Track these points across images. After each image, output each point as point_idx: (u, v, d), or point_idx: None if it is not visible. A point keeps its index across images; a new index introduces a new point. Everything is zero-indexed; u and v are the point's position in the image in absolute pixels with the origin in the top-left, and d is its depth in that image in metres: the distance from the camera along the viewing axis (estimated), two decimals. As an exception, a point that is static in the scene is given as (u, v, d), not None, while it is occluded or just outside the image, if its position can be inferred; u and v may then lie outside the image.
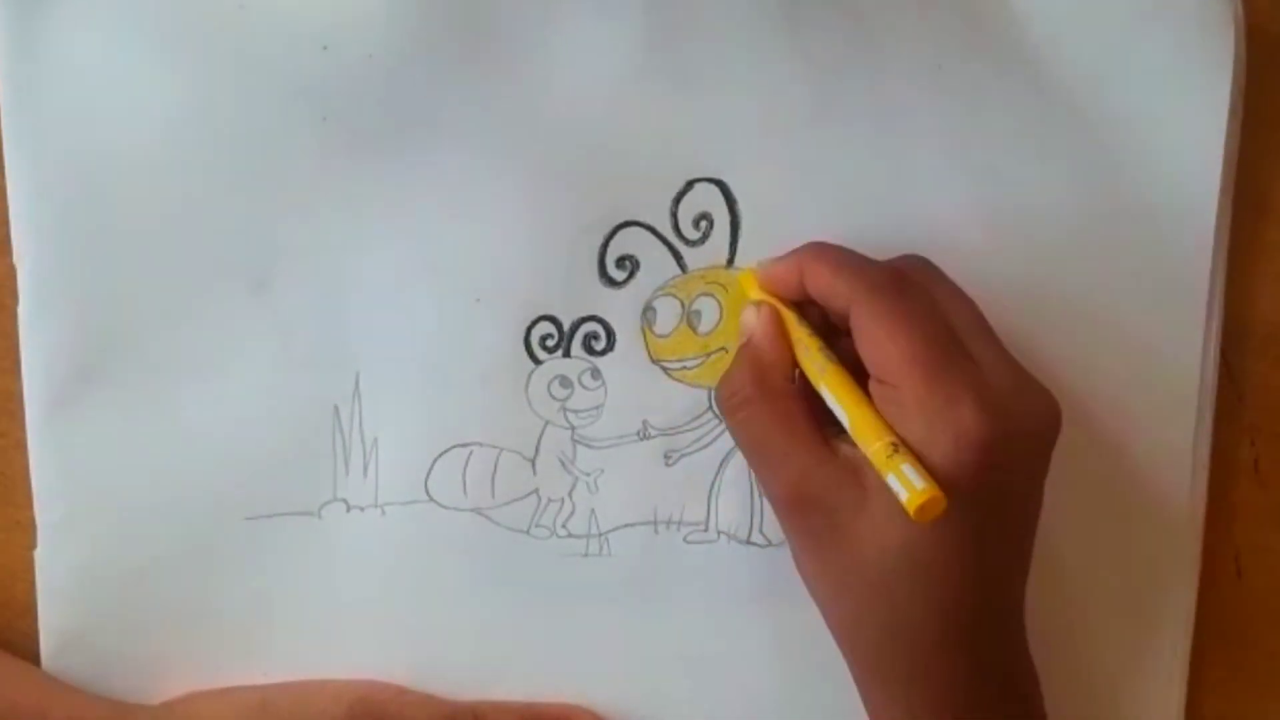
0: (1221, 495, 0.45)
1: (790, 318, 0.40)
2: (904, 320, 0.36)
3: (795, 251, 0.40)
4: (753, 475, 0.43)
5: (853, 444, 0.36)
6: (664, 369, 0.43)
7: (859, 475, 0.36)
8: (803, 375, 0.39)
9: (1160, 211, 0.43)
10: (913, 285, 0.38)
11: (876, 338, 0.36)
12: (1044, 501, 0.42)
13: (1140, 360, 0.43)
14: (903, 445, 0.35)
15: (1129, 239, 0.43)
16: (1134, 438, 0.44)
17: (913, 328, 0.36)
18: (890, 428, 0.35)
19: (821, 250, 0.39)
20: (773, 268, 0.40)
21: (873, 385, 0.37)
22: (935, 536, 0.35)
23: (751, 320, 0.40)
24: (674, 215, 0.42)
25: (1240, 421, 0.45)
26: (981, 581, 0.36)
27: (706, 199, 0.42)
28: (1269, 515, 0.46)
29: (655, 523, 0.44)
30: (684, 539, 0.44)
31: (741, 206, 0.42)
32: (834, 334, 0.39)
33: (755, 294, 0.41)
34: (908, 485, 0.33)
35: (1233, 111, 0.42)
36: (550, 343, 0.43)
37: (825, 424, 0.38)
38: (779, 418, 0.38)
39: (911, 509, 0.33)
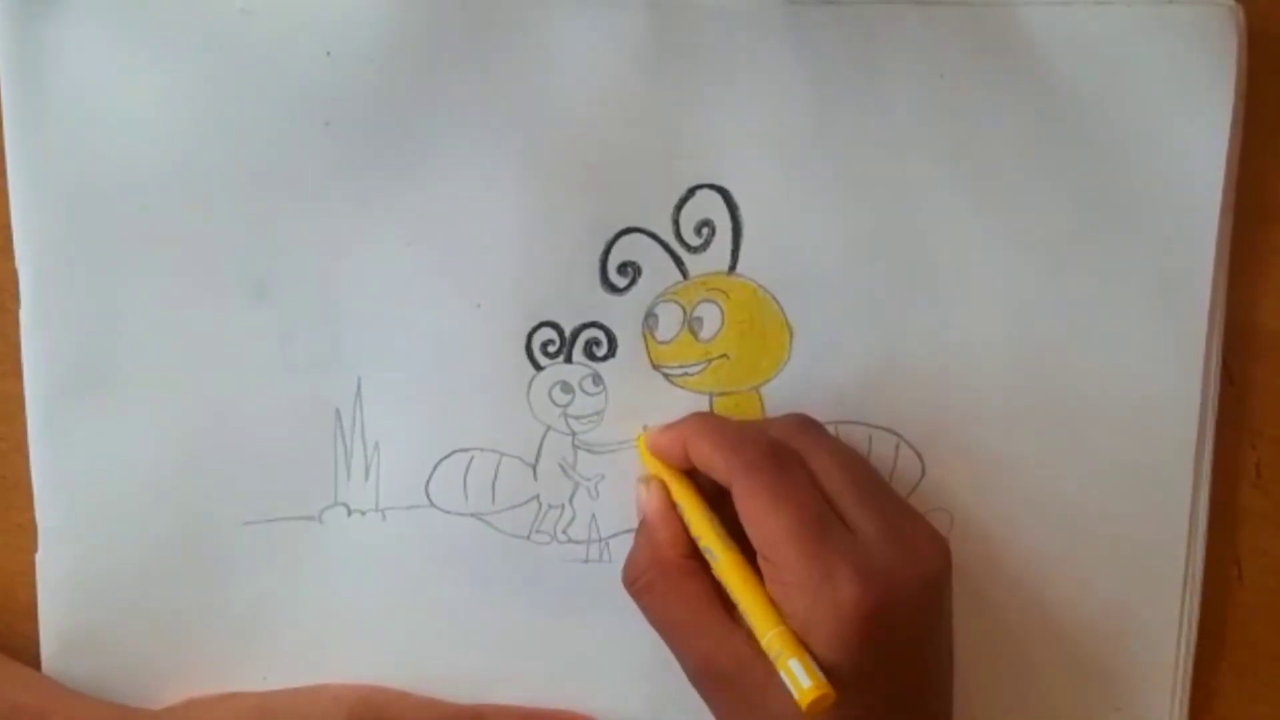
0: (1223, 499, 0.45)
1: (683, 491, 0.41)
2: (779, 498, 0.37)
3: (679, 423, 0.42)
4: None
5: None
6: (665, 375, 0.43)
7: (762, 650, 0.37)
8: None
9: (1162, 216, 0.43)
10: (787, 460, 0.39)
11: (755, 516, 0.38)
12: (1046, 503, 0.42)
13: (1142, 364, 0.43)
14: (790, 635, 0.36)
15: (1130, 244, 0.43)
16: (1136, 441, 0.44)
17: (787, 505, 0.37)
18: (779, 613, 0.37)
19: (702, 424, 0.41)
20: (658, 438, 0.42)
21: (760, 561, 0.38)
22: (838, 714, 0.35)
23: (643, 497, 0.42)
24: (676, 222, 0.42)
25: (1242, 426, 0.45)
26: None
27: (708, 205, 0.42)
28: (1271, 519, 0.45)
29: (656, 528, 0.44)
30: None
31: (743, 213, 0.42)
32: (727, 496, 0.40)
33: (647, 464, 0.43)
34: (795, 684, 0.35)
35: (1235, 117, 0.42)
36: (552, 348, 0.43)
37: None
38: (682, 598, 0.40)
39: (803, 705, 0.34)
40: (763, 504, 0.37)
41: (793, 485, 0.38)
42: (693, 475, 0.42)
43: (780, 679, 0.35)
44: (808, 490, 0.38)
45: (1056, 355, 0.43)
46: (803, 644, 0.36)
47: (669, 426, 0.42)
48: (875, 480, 0.40)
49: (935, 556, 0.38)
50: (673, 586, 0.40)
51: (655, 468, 0.42)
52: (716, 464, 0.39)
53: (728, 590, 0.38)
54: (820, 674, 0.35)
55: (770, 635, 0.36)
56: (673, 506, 0.41)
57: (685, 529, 0.41)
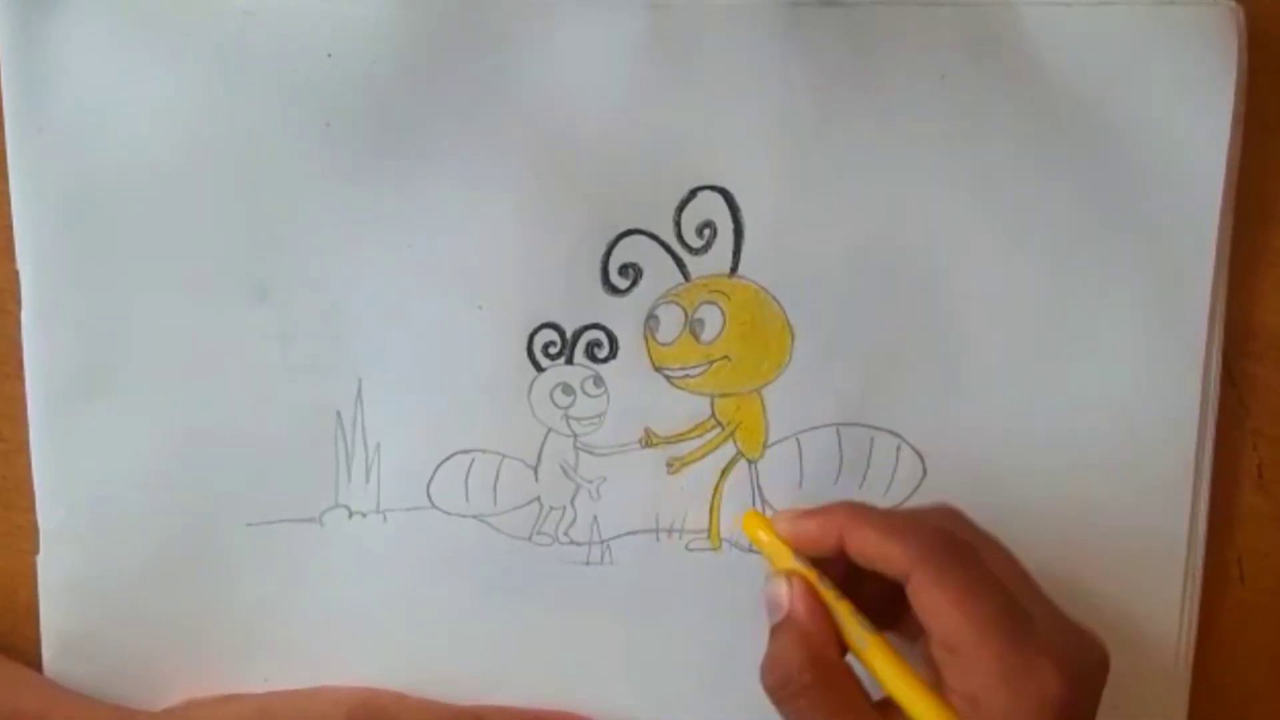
0: (1224, 500, 0.45)
1: (819, 583, 0.38)
2: (970, 588, 0.36)
3: (828, 511, 0.39)
4: (755, 482, 0.44)
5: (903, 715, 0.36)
6: (666, 377, 0.43)
7: None
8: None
9: (1163, 216, 0.43)
10: (967, 549, 0.37)
11: (944, 607, 0.36)
12: (1046, 503, 0.43)
13: (1142, 365, 0.43)
14: None
15: (1131, 244, 0.43)
16: (1136, 442, 0.44)
17: (980, 596, 0.36)
18: (954, 708, 0.35)
19: (861, 514, 0.38)
20: (802, 526, 0.39)
21: (938, 651, 0.36)
22: None
23: (784, 594, 0.39)
24: (677, 223, 0.42)
25: (1243, 426, 0.45)
26: None
27: (710, 207, 0.42)
28: (1272, 520, 0.45)
29: (657, 530, 0.44)
30: (686, 547, 0.44)
31: (745, 215, 0.42)
32: (859, 579, 0.39)
33: (770, 548, 0.40)
34: None
35: (1235, 117, 0.42)
36: (553, 350, 0.43)
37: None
38: (842, 704, 0.37)
39: None
40: (954, 593, 0.36)
41: (981, 574, 0.36)
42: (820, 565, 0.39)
43: None
44: (995, 580, 0.36)
45: (1057, 354, 0.43)
46: None
47: (810, 513, 0.39)
48: (1029, 573, 0.38)
49: (1104, 658, 0.37)
50: (831, 690, 0.37)
51: (779, 554, 0.39)
52: (889, 553, 0.37)
53: (886, 684, 0.36)
54: None
55: None
56: (821, 601, 0.38)
57: (834, 627, 0.38)
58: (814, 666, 0.37)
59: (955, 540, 0.37)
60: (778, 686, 0.38)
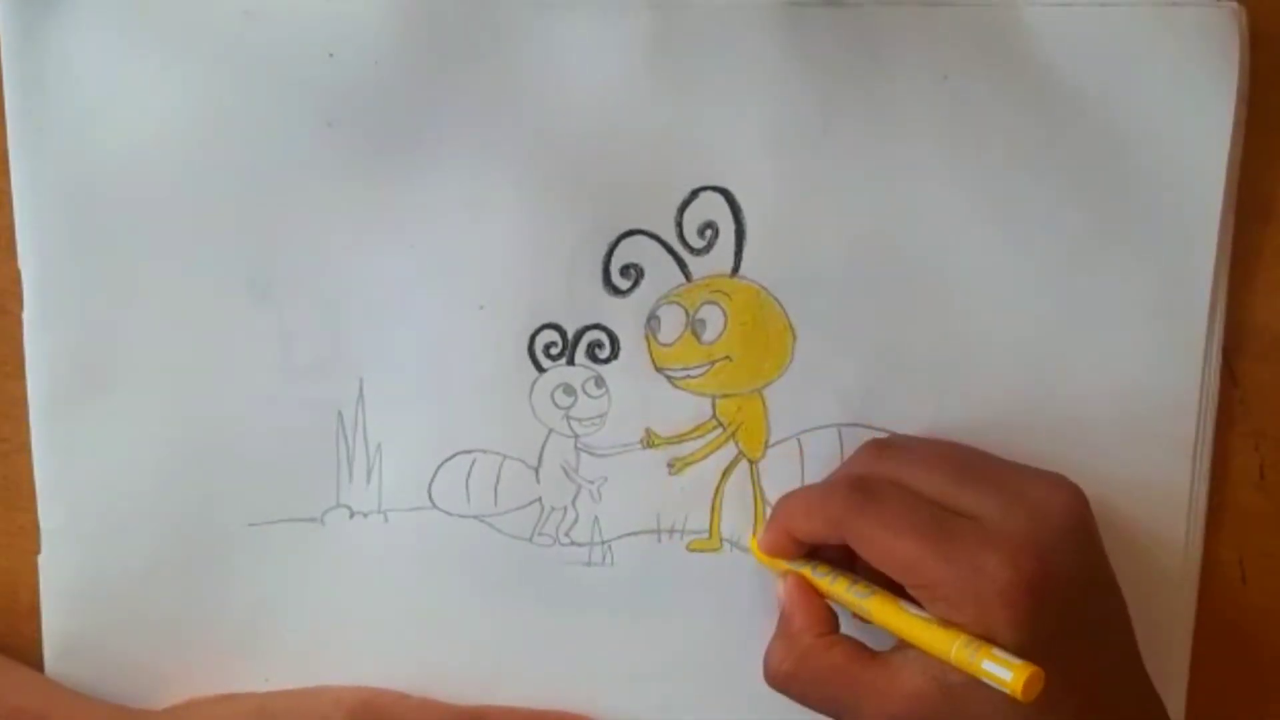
0: (1226, 501, 0.45)
1: (809, 573, 0.41)
2: (888, 523, 0.37)
3: (773, 515, 0.43)
4: (756, 483, 0.44)
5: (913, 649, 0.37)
6: (668, 377, 0.43)
7: (937, 676, 0.37)
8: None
9: (1164, 216, 0.43)
10: (874, 486, 0.39)
11: (879, 550, 0.37)
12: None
13: (1143, 365, 0.43)
14: (970, 639, 0.35)
15: (1132, 245, 0.43)
16: (1137, 443, 0.44)
17: (900, 524, 0.37)
18: (952, 627, 0.36)
19: (790, 503, 0.42)
20: (764, 540, 0.42)
21: (911, 591, 0.37)
22: (1050, 688, 0.35)
23: (780, 595, 0.42)
24: (679, 224, 0.42)
25: (1244, 427, 0.45)
26: (1102, 677, 0.37)
27: (711, 208, 0.42)
28: (1273, 521, 0.45)
29: (658, 531, 0.44)
30: (687, 547, 0.44)
31: (746, 215, 0.42)
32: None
33: (773, 568, 0.43)
34: (999, 681, 0.34)
35: (1236, 118, 0.42)
36: (554, 350, 0.43)
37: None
38: (828, 671, 0.39)
39: (1018, 694, 0.34)
40: (878, 536, 0.37)
41: (896, 506, 0.38)
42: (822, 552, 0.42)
43: (965, 686, 0.35)
44: (914, 502, 0.38)
45: (1058, 356, 0.43)
46: (989, 640, 0.35)
47: (766, 526, 0.43)
48: (973, 459, 0.39)
49: (1064, 503, 0.38)
50: (817, 667, 0.39)
51: (781, 567, 0.42)
52: (818, 528, 0.39)
53: (893, 630, 0.38)
54: (1017, 659, 0.34)
55: (955, 648, 0.35)
56: (808, 590, 0.41)
57: (825, 609, 0.41)
58: (790, 655, 0.40)
59: (860, 483, 0.39)
60: (770, 681, 0.41)
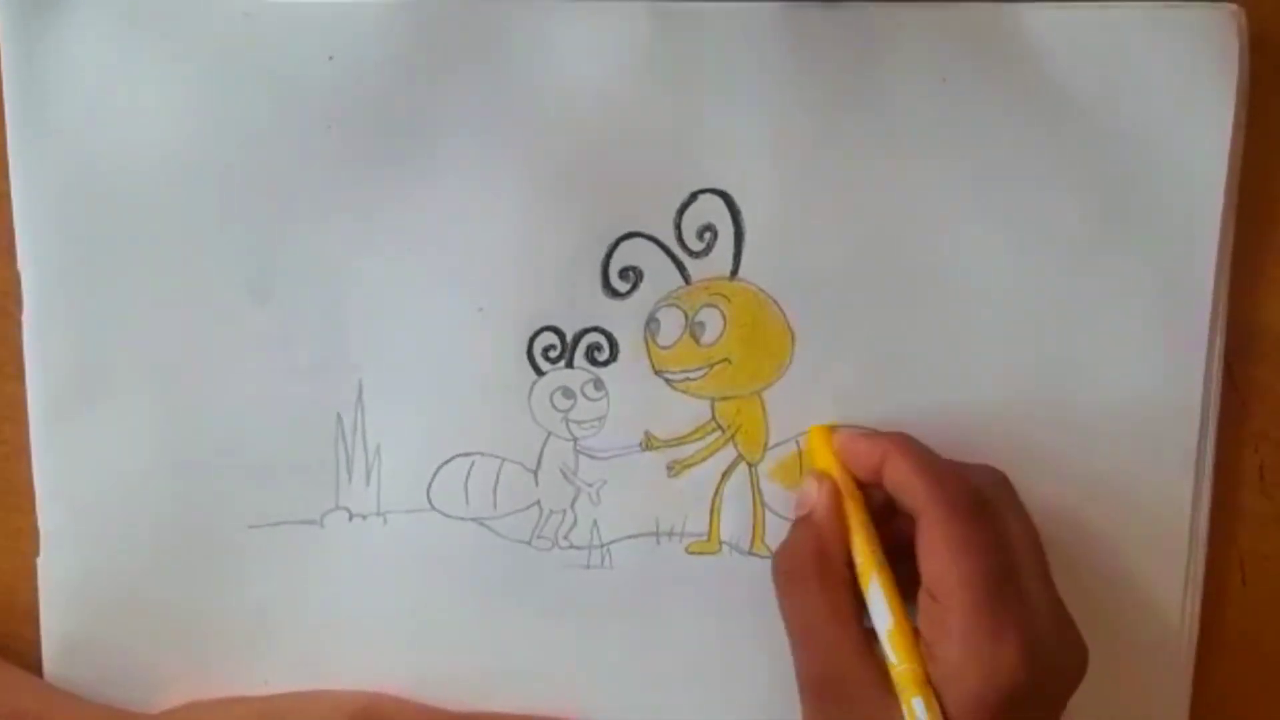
0: (1226, 502, 0.45)
1: (852, 502, 0.40)
2: (971, 546, 0.36)
3: (881, 437, 0.41)
4: (755, 485, 0.44)
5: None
6: (667, 380, 0.43)
7: (888, 678, 0.37)
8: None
9: (1164, 218, 0.43)
10: (986, 510, 0.38)
11: (939, 555, 0.37)
12: (1047, 506, 0.42)
13: (1144, 367, 0.43)
14: (923, 675, 0.36)
15: (1133, 247, 0.43)
16: (1138, 444, 0.44)
17: (977, 556, 0.36)
18: (919, 653, 0.36)
19: (907, 446, 0.40)
20: (855, 444, 0.41)
21: (922, 595, 0.37)
22: None
23: (813, 493, 0.41)
24: (678, 226, 0.42)
25: (1245, 429, 0.45)
26: None
27: (710, 210, 0.42)
28: (1274, 522, 0.45)
29: (657, 534, 0.44)
30: (686, 550, 0.44)
31: (745, 218, 0.42)
32: (887, 513, 0.40)
33: (821, 459, 0.42)
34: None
35: (1236, 119, 0.42)
36: (553, 353, 0.43)
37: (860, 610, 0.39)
38: (832, 606, 0.39)
39: None
40: (953, 542, 0.36)
41: (988, 536, 0.37)
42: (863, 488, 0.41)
43: (898, 711, 0.36)
44: (1000, 546, 0.37)
45: (1058, 357, 0.43)
46: (934, 690, 0.35)
47: (867, 435, 0.41)
48: (1046, 561, 0.39)
49: (1080, 665, 0.38)
50: (825, 587, 0.39)
51: (828, 466, 0.42)
52: (915, 487, 0.38)
53: (873, 608, 0.38)
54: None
55: (904, 668, 0.36)
56: (842, 513, 0.40)
57: (847, 537, 0.40)
58: (816, 564, 0.39)
59: (979, 498, 0.38)
60: (781, 570, 0.40)
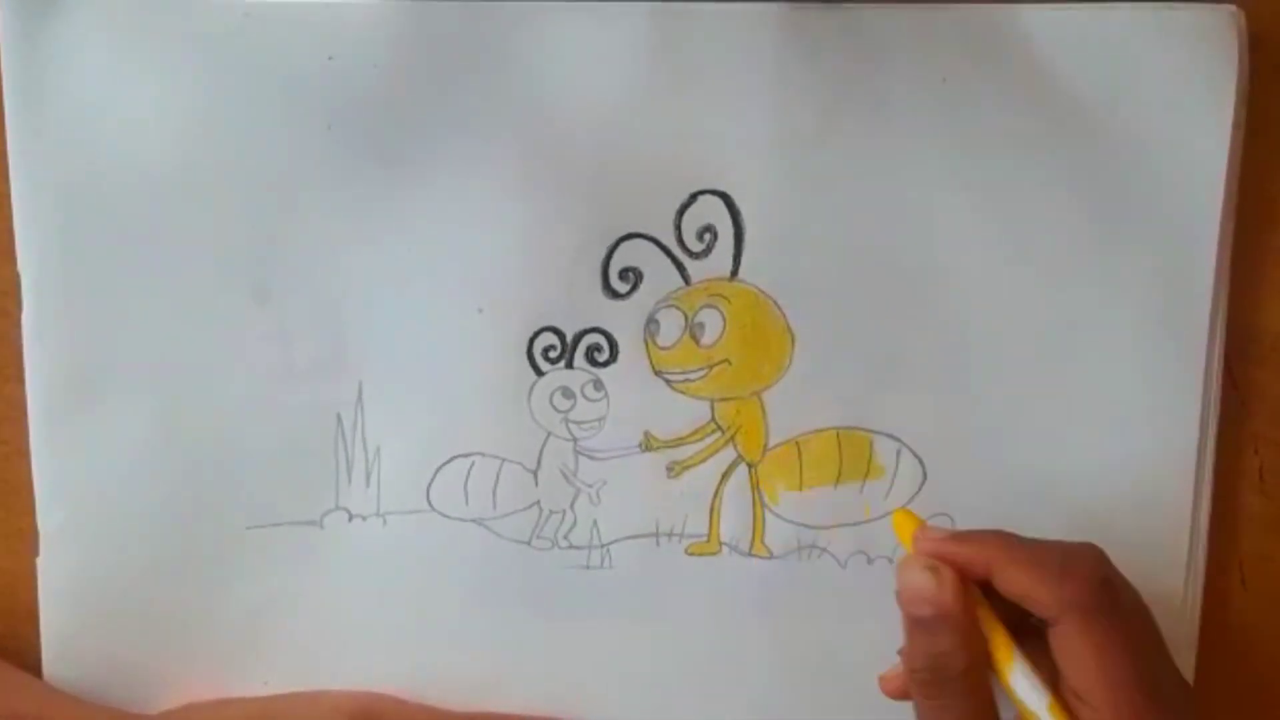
0: (1226, 504, 0.45)
1: (985, 607, 0.37)
2: (1111, 645, 0.35)
3: (979, 540, 0.38)
4: (755, 486, 0.44)
5: None
6: (667, 381, 0.43)
7: None
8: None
9: (1164, 219, 0.43)
10: (1113, 603, 0.36)
11: (1084, 661, 0.35)
12: (1047, 508, 0.43)
13: (1144, 368, 0.43)
14: None
15: (1132, 248, 0.43)
16: (1138, 446, 0.44)
17: (1119, 655, 0.35)
18: None
19: (1013, 549, 0.37)
20: (949, 551, 0.38)
21: (1069, 696, 0.36)
22: None
23: (930, 586, 0.37)
24: (678, 227, 0.42)
25: (1245, 430, 0.45)
26: None
27: (710, 211, 0.42)
28: (1274, 524, 0.45)
29: (657, 534, 0.44)
30: (686, 551, 0.44)
31: (745, 218, 0.42)
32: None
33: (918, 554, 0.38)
34: None
35: (1236, 120, 0.42)
36: (553, 354, 0.43)
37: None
38: (981, 709, 0.36)
39: None
40: (1096, 649, 0.35)
41: (1125, 632, 0.36)
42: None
43: None
44: (1137, 640, 0.36)
45: (1058, 359, 0.43)
46: None
47: (960, 538, 0.38)
48: (1158, 629, 0.38)
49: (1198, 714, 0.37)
50: (974, 691, 0.36)
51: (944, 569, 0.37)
52: (1042, 598, 0.36)
53: (1024, 696, 0.36)
54: None
55: None
56: (973, 605, 0.37)
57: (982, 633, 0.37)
58: (968, 654, 0.36)
59: (1105, 591, 0.36)
60: (930, 673, 0.37)
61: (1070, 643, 0.36)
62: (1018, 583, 0.37)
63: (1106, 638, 0.36)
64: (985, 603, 0.37)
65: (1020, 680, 0.36)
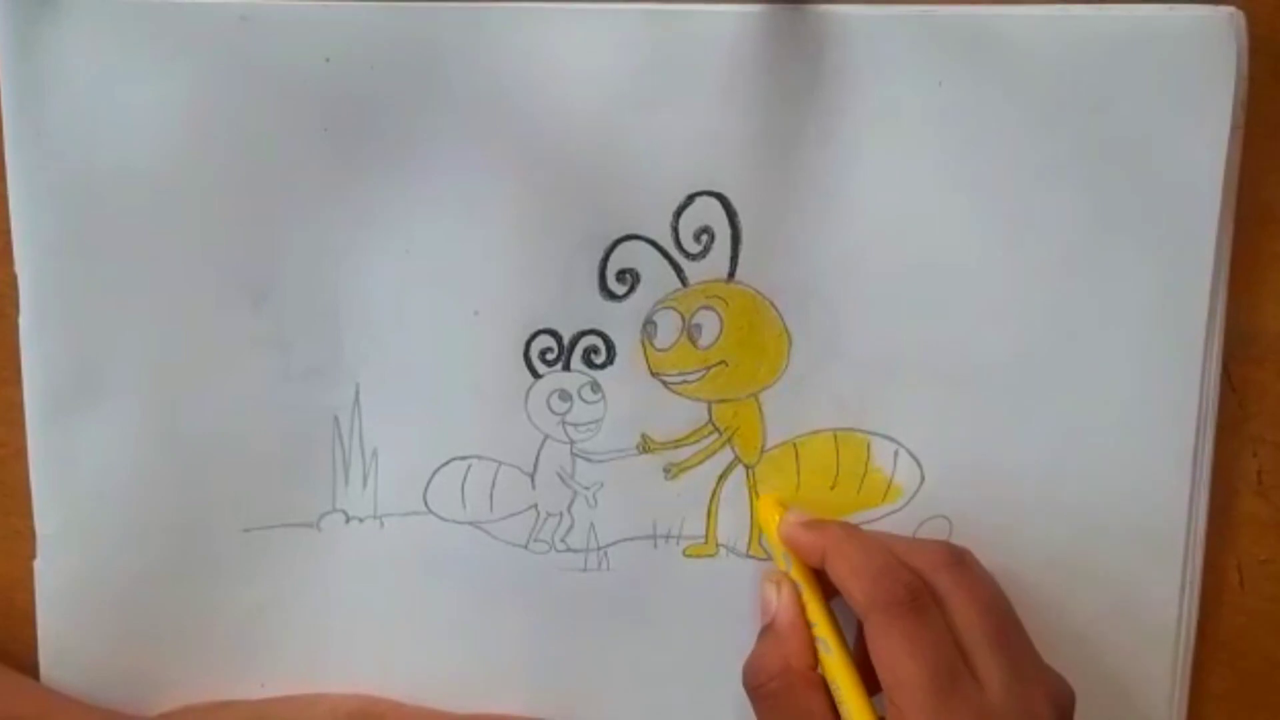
0: (1224, 506, 0.45)
1: (812, 599, 0.41)
2: (913, 644, 0.37)
3: (823, 529, 0.41)
4: (753, 488, 0.44)
5: None
6: (664, 383, 0.43)
7: None
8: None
9: (1162, 221, 0.42)
10: (924, 603, 0.38)
11: (886, 657, 0.37)
12: (1044, 510, 0.42)
13: (1142, 370, 0.43)
14: None
15: (1130, 250, 0.43)
16: (1136, 447, 0.44)
17: (919, 656, 0.37)
18: None
19: (845, 543, 0.40)
20: (797, 535, 0.42)
21: (885, 700, 0.37)
22: None
23: (773, 599, 0.41)
24: (675, 229, 0.42)
25: (1243, 432, 0.45)
26: None
27: (707, 212, 0.42)
28: (1272, 526, 0.45)
29: (654, 536, 0.44)
30: (683, 552, 0.44)
31: (743, 220, 0.42)
32: None
33: (774, 548, 0.43)
34: None
35: (1235, 123, 0.42)
36: (550, 356, 0.43)
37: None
38: (802, 712, 0.39)
39: None
40: (895, 647, 0.37)
41: (928, 632, 0.37)
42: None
43: None
44: (942, 639, 0.37)
45: (1056, 361, 0.43)
46: None
47: (808, 525, 0.42)
48: (1010, 627, 0.39)
49: (1064, 703, 0.38)
50: (796, 702, 0.39)
51: (779, 560, 0.42)
52: (852, 592, 0.39)
53: (839, 697, 0.39)
54: None
55: None
56: (804, 614, 0.41)
57: (811, 637, 0.41)
58: (783, 675, 0.40)
59: (916, 590, 0.38)
60: (751, 684, 0.41)
61: (877, 643, 0.37)
62: (837, 574, 0.40)
63: (903, 638, 0.37)
64: (826, 615, 0.41)
65: (842, 701, 0.39)
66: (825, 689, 0.39)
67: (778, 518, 0.43)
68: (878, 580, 0.38)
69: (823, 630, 0.40)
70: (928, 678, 0.36)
